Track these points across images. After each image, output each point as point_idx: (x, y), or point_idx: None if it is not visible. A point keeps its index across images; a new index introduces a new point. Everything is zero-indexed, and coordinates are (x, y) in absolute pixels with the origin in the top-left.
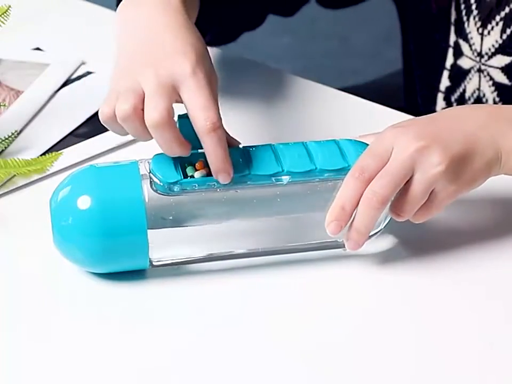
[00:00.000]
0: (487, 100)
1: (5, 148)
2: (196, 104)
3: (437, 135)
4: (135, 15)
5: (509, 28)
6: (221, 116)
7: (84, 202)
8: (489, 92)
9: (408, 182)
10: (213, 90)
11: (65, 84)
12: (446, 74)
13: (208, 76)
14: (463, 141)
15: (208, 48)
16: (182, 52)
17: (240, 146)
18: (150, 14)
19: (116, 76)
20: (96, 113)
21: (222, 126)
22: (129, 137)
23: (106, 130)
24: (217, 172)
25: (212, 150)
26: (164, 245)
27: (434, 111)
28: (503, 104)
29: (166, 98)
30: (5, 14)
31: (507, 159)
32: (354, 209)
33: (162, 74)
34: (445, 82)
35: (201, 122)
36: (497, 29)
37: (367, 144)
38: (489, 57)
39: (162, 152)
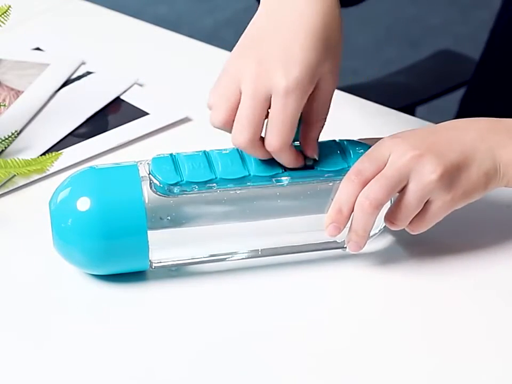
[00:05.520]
0: None
1: (5, 147)
2: (271, 124)
3: (434, 145)
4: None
5: None
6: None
7: (84, 203)
8: None
9: (402, 191)
10: (317, 97)
11: (65, 84)
12: None
13: (309, 89)
14: (459, 151)
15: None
16: (292, 60)
17: None
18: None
19: (232, 57)
20: (96, 114)
21: (287, 149)
22: (129, 137)
23: (106, 130)
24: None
25: (279, 160)
26: (164, 246)
27: None
28: None
29: (253, 119)
30: (5, 14)
31: (506, 171)
32: (351, 212)
33: (259, 87)
34: None
35: (266, 142)
36: None
37: (368, 145)
38: None
39: (160, 154)
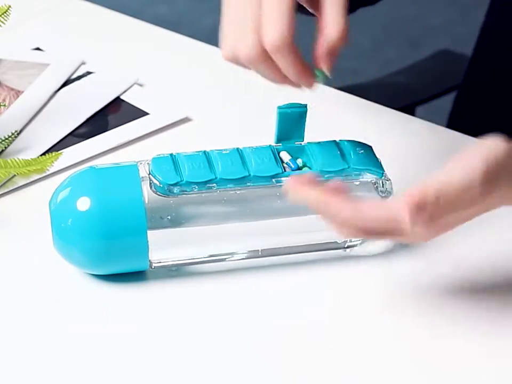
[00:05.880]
0: None
1: (5, 147)
2: (332, 8)
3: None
4: None
5: None
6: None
7: (84, 203)
8: None
9: None
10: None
11: (65, 84)
12: None
13: None
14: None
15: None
16: None
17: (240, 147)
18: None
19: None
20: (96, 114)
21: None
22: (129, 137)
23: (106, 130)
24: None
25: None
26: (164, 246)
27: None
28: None
29: (286, 9)
30: (5, 14)
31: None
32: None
33: None
34: None
35: (334, 27)
36: None
37: (369, 146)
38: None
39: (160, 154)
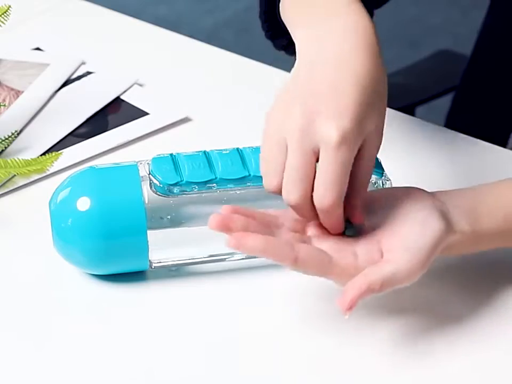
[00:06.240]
0: None
1: (5, 147)
2: (321, 179)
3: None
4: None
5: None
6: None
7: (84, 203)
8: None
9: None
10: (363, 157)
11: (65, 84)
12: None
13: (359, 142)
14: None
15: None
16: (343, 112)
17: (240, 147)
18: (340, 36)
19: (274, 112)
20: (96, 114)
21: (340, 206)
22: (129, 137)
23: (106, 130)
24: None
25: (323, 222)
26: (164, 246)
27: None
28: None
29: (303, 174)
30: (5, 14)
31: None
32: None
33: (306, 139)
34: None
35: (317, 199)
36: None
37: None
38: None
39: (160, 154)
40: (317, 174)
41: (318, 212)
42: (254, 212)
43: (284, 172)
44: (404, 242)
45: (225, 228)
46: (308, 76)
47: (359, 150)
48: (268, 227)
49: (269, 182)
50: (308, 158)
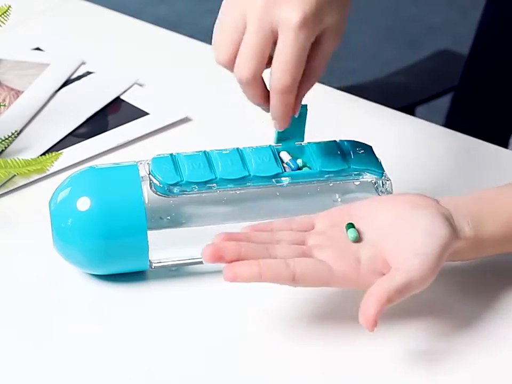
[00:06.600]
0: None
1: (5, 147)
2: (279, 60)
3: None
4: None
5: None
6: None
7: (84, 203)
8: None
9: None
10: (318, 51)
11: (65, 84)
12: None
13: (317, 30)
14: None
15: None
16: None
17: (240, 147)
18: None
19: None
20: (96, 114)
21: (294, 90)
22: (129, 137)
23: (106, 130)
24: (275, 122)
25: (274, 106)
26: (164, 246)
27: None
28: None
29: (259, 52)
30: (5, 14)
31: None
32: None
33: (266, 18)
34: None
35: (274, 81)
36: None
37: (369, 146)
38: None
39: (160, 154)
40: (274, 56)
41: (272, 94)
42: (249, 232)
43: (236, 48)
44: (412, 249)
45: (218, 257)
46: None
47: (316, 44)
48: (263, 247)
49: (221, 54)
50: (265, 37)
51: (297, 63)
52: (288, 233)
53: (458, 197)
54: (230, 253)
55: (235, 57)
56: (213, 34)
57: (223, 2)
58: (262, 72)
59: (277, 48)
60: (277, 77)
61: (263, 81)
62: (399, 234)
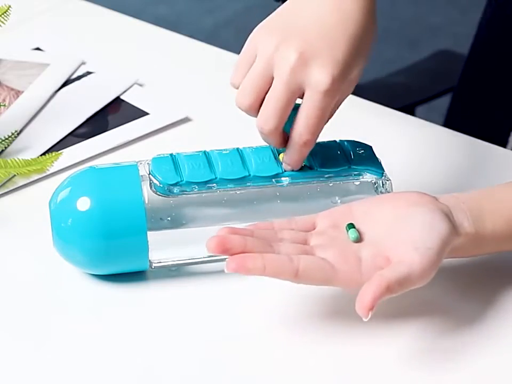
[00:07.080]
0: None
1: (5, 147)
2: (304, 118)
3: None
4: None
5: None
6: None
7: (84, 203)
8: None
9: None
10: (339, 101)
11: (65, 84)
12: None
13: (341, 90)
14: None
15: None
16: (336, 59)
17: (240, 147)
18: None
19: (261, 33)
20: (96, 114)
21: (314, 144)
22: (129, 137)
23: (106, 130)
24: (287, 165)
25: (291, 155)
26: (164, 247)
27: None
28: None
29: (284, 108)
30: (5, 14)
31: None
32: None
33: (296, 77)
34: None
35: (297, 135)
36: None
37: (369, 146)
38: None
39: (160, 154)
40: (299, 112)
41: (290, 145)
42: (253, 229)
43: (260, 96)
44: (412, 243)
45: (223, 249)
46: (298, 12)
47: None
48: (266, 243)
49: (245, 100)
50: (292, 95)
51: (320, 122)
52: (290, 233)
53: (458, 194)
54: (236, 246)
55: (257, 104)
56: (235, 67)
57: (254, 33)
58: (284, 124)
59: (302, 105)
60: (300, 132)
61: (283, 131)
62: (399, 232)
